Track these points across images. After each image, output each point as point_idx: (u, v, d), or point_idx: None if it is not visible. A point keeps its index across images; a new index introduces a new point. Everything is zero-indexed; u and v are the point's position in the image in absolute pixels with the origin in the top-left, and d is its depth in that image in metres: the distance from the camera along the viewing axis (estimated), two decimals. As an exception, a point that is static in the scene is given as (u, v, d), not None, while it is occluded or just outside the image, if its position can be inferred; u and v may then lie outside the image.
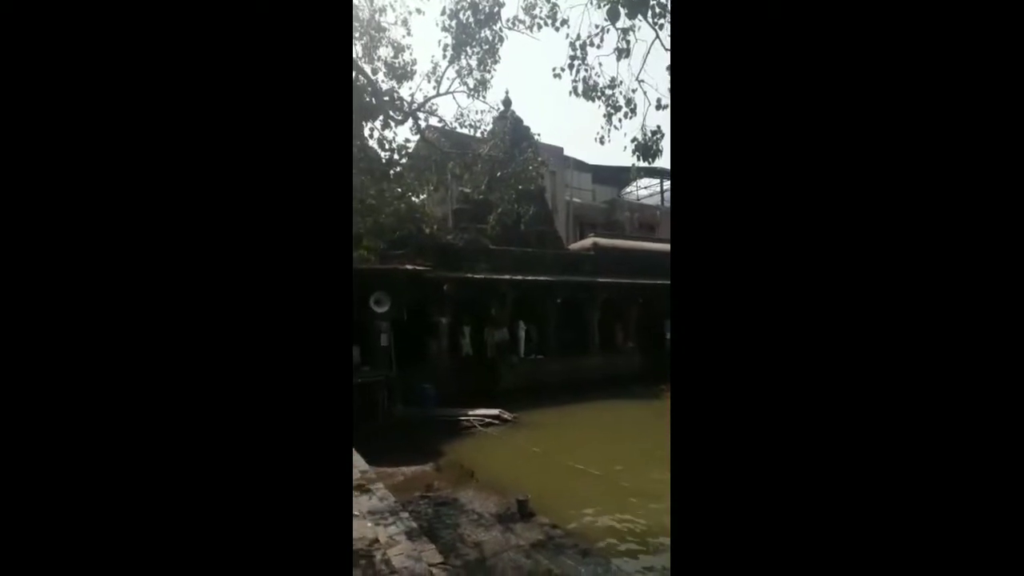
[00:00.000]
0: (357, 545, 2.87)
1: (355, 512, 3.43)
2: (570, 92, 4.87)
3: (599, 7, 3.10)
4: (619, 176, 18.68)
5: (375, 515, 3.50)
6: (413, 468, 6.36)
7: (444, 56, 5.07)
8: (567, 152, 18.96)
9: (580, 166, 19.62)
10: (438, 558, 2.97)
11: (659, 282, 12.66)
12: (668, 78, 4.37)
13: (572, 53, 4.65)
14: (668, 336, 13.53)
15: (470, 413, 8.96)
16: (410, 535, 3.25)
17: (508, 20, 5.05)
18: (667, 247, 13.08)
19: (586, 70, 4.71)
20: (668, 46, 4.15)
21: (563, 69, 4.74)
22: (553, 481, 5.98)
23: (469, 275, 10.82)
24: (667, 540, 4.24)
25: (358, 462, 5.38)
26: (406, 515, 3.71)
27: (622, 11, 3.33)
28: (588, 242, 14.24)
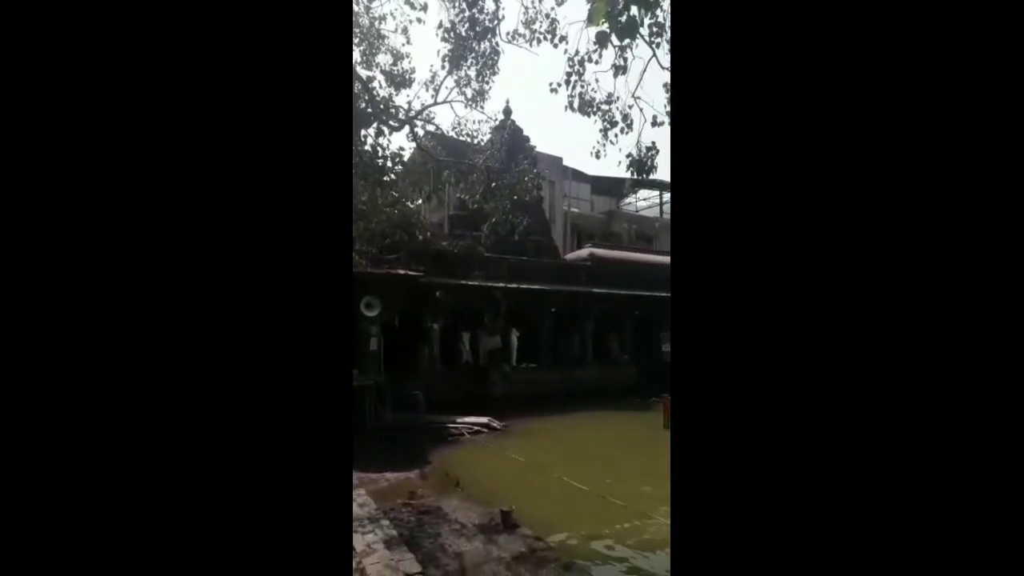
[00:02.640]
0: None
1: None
2: (565, 107, 4.92)
3: (599, 24, 3.14)
4: (618, 187, 18.76)
5: (354, 522, 3.49)
6: (397, 474, 6.33)
7: (443, 67, 5.12)
8: (568, 163, 19.07)
9: (579, 176, 19.71)
10: (416, 568, 2.95)
11: (655, 294, 12.66)
12: (664, 95, 4.44)
13: (569, 69, 4.73)
14: (664, 348, 13.52)
15: (459, 421, 8.92)
16: (389, 543, 3.24)
17: (508, 34, 5.12)
18: (664, 259, 13.11)
19: (582, 86, 4.78)
20: (664, 64, 4.20)
21: (559, 84, 4.80)
22: (539, 493, 5.94)
23: (463, 282, 10.84)
24: (652, 556, 4.24)
25: (343, 468, 5.34)
26: (387, 523, 3.70)
27: (613, 40, 3.37)
28: (584, 252, 14.27)
